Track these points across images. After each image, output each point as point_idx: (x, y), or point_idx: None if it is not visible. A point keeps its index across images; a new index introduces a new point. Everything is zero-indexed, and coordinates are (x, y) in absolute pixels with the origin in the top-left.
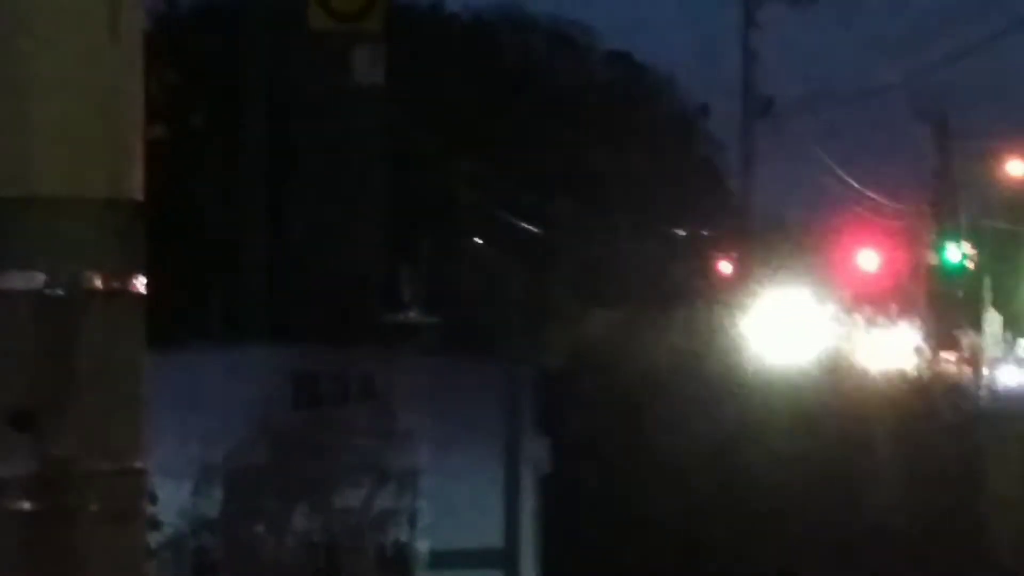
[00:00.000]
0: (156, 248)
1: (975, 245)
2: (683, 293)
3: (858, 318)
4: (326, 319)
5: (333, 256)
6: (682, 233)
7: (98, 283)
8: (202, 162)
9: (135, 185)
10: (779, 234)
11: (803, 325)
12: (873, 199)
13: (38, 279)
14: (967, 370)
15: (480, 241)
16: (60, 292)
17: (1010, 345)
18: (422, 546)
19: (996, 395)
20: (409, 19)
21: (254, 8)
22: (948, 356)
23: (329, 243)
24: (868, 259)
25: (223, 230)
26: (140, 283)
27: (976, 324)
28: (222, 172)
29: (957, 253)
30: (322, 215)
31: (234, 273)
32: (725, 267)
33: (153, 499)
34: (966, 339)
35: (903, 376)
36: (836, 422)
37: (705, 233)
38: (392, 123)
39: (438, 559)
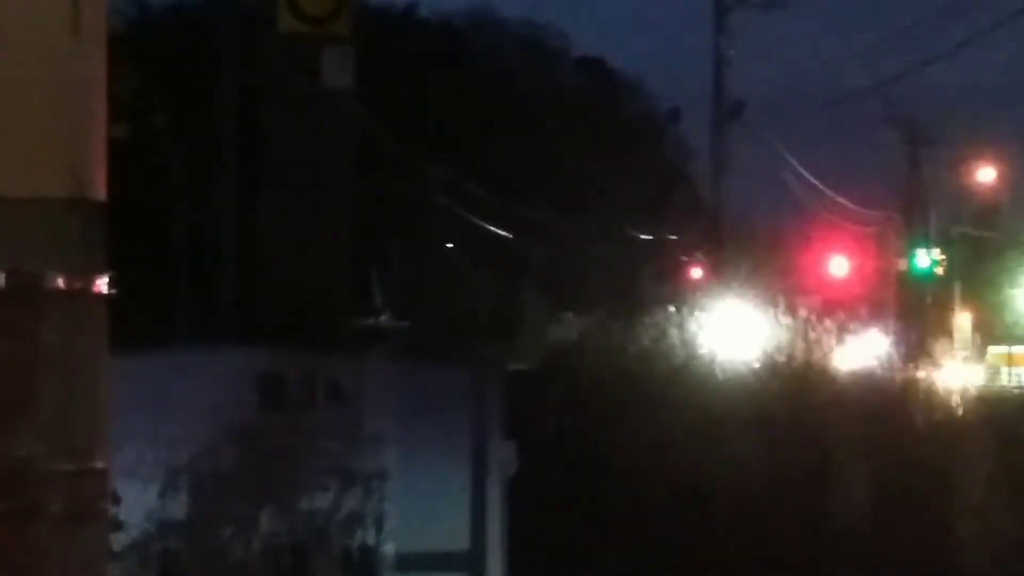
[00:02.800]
0: (122, 249)
1: (945, 251)
2: (653, 298)
3: (829, 324)
4: (295, 322)
5: (303, 259)
6: (651, 238)
7: (60, 283)
8: (168, 163)
9: (97, 185)
10: (750, 239)
11: (772, 330)
12: (844, 205)
13: None
14: (937, 376)
15: (451, 246)
16: (20, 292)
17: (980, 351)
18: (389, 549)
19: (966, 401)
20: (380, 24)
21: (224, 11)
22: (918, 362)
23: (299, 246)
24: (839, 265)
25: (191, 232)
26: (102, 283)
27: (946, 330)
28: (188, 174)
29: (927, 259)
30: (292, 218)
31: (202, 275)
32: (696, 272)
33: (115, 500)
34: (936, 345)
35: (874, 382)
36: (806, 428)
37: (675, 238)
38: (362, 127)
39: (405, 562)
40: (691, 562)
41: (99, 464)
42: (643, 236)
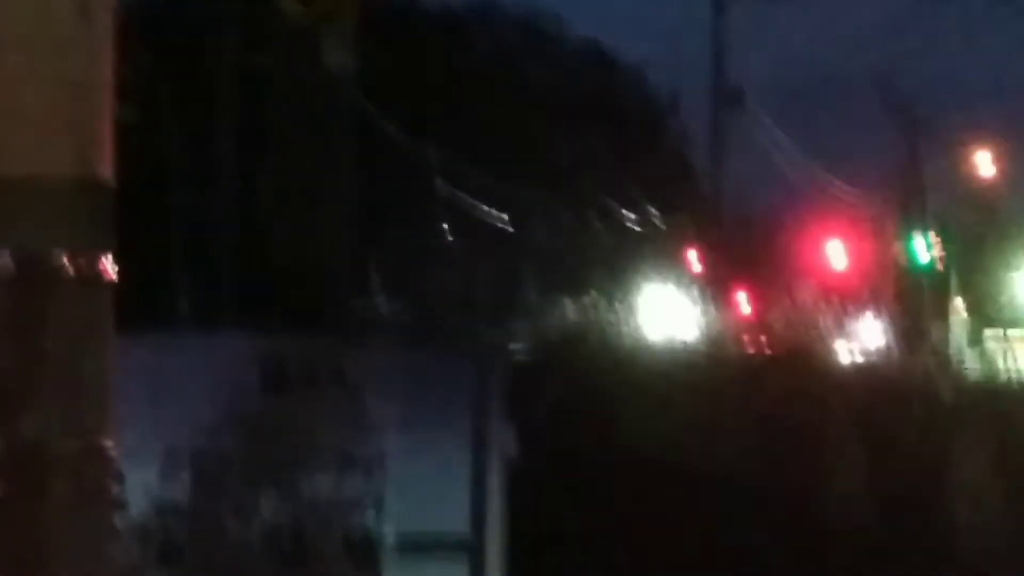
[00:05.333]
0: (126, 231)
1: (942, 237)
2: (650, 283)
3: (826, 309)
4: (295, 307)
5: (302, 245)
6: (649, 223)
7: (67, 264)
8: (171, 145)
9: (105, 167)
10: (748, 226)
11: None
12: (842, 191)
13: (6, 259)
14: (935, 362)
15: (449, 232)
16: (28, 272)
17: (976, 335)
18: (389, 531)
19: (963, 386)
20: (380, 9)
21: None
22: (915, 346)
23: (298, 231)
24: (836, 251)
25: (193, 215)
26: (109, 264)
27: (943, 315)
28: (191, 156)
29: (924, 245)
30: (291, 203)
31: (204, 258)
32: (693, 257)
33: (121, 479)
34: (934, 331)
35: (873, 368)
36: (806, 413)
37: (672, 224)
38: (361, 112)
39: (404, 544)
40: (689, 547)
41: (105, 444)
42: (640, 220)
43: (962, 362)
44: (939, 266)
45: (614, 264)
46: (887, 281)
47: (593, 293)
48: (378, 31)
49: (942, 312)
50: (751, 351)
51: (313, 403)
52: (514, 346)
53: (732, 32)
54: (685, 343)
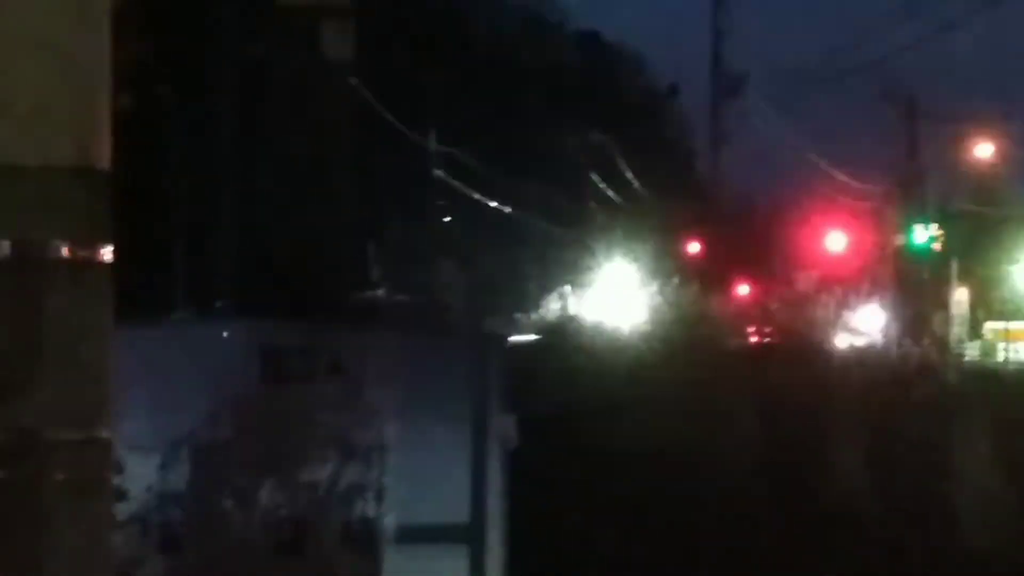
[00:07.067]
0: (123, 219)
1: (942, 227)
2: (651, 272)
3: (825, 299)
4: (294, 295)
5: (301, 233)
6: (649, 211)
7: (65, 252)
8: (169, 134)
9: (103, 154)
10: (748, 215)
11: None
12: (842, 180)
13: (4, 248)
14: (935, 350)
15: (449, 220)
16: (25, 260)
17: (977, 326)
18: (388, 521)
19: (963, 374)
20: None
21: None
22: (916, 336)
23: (297, 219)
24: (836, 240)
25: (191, 203)
26: (107, 253)
27: (943, 305)
28: (189, 145)
29: (925, 234)
30: (290, 191)
31: (202, 246)
32: (693, 247)
33: (119, 469)
34: (934, 320)
35: (872, 355)
36: (805, 401)
37: (672, 212)
38: (361, 101)
39: (404, 535)
40: (688, 538)
41: (104, 434)
42: (639, 207)
43: (962, 353)
44: (936, 246)
45: (613, 251)
46: (888, 270)
47: (592, 281)
48: (376, 19)
49: (943, 303)
50: (750, 335)
51: (312, 392)
52: (515, 334)
53: (734, 21)
54: (685, 329)
